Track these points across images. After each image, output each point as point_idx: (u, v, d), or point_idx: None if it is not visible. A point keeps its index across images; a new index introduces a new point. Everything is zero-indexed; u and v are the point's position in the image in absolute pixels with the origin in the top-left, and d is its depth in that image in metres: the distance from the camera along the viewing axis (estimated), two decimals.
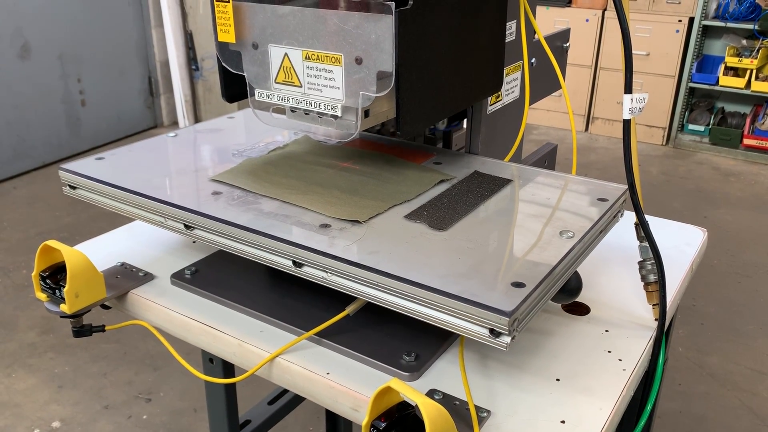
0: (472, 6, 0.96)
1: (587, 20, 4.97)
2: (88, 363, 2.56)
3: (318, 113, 0.95)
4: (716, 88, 4.72)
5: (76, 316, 1.02)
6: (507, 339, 0.70)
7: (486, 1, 0.99)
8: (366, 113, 0.92)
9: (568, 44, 1.40)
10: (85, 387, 2.44)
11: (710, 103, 5.00)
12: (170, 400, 2.38)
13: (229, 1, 0.93)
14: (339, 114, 0.92)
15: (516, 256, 0.82)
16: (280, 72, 0.95)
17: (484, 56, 1.02)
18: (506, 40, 1.10)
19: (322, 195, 0.97)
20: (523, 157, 1.44)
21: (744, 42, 4.69)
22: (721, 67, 4.68)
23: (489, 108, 1.13)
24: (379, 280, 0.77)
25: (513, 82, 1.18)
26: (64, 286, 0.99)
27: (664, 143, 5.01)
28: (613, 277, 1.13)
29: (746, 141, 4.70)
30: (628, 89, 0.91)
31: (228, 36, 0.95)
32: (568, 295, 0.91)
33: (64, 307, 1.00)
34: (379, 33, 0.84)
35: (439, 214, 0.91)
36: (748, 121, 4.73)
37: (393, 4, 0.80)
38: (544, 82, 1.38)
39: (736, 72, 4.67)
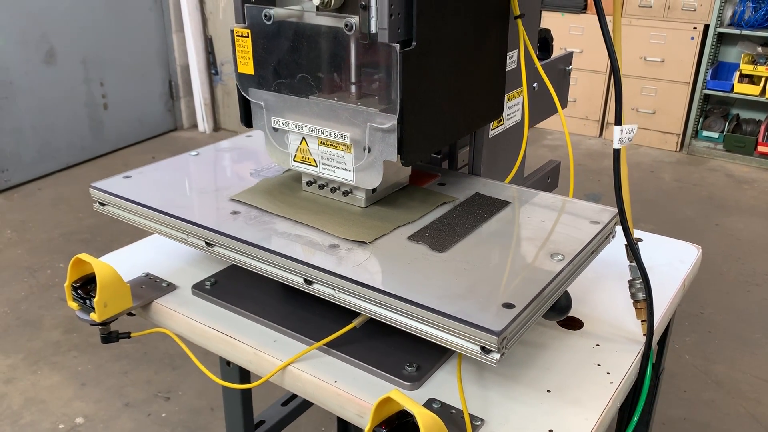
0: (473, 41, 1.03)
1: None
2: (110, 362, 2.66)
3: (331, 189, 1.09)
4: (731, 95, 4.74)
5: (104, 323, 1.11)
6: (496, 356, 0.77)
7: (487, 36, 1.05)
8: (374, 189, 1.07)
9: (570, 67, 1.46)
10: (107, 385, 2.54)
11: (725, 109, 5.01)
12: (188, 398, 2.48)
13: (248, 36, 1.01)
14: (350, 191, 1.07)
15: (508, 277, 0.89)
16: (297, 153, 1.05)
17: (486, 86, 1.09)
18: (508, 69, 1.16)
19: (332, 216, 1.04)
20: (528, 173, 1.50)
21: (759, 49, 4.69)
22: (736, 75, 4.69)
23: (491, 132, 1.20)
24: (382, 299, 0.85)
25: (515, 107, 1.25)
26: (94, 297, 1.07)
27: (678, 150, 5.03)
28: (606, 292, 1.19)
29: (760, 148, 4.71)
30: (618, 121, 0.97)
31: (247, 68, 1.03)
32: (558, 314, 0.98)
33: (93, 316, 1.09)
34: (386, 128, 0.94)
35: (440, 236, 0.98)
36: (762, 128, 4.74)
37: (398, 46, 0.88)
38: (547, 103, 1.44)
39: (752, 79, 4.68)
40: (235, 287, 1.16)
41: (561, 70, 1.45)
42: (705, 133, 4.94)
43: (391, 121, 0.93)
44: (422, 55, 0.91)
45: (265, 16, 0.96)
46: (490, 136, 1.20)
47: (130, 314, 1.19)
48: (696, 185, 4.48)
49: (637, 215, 3.95)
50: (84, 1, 4.43)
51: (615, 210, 1.08)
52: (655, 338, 1.15)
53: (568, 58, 1.46)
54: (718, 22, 4.64)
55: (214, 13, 5.01)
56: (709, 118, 4.96)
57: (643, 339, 1.07)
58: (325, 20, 0.97)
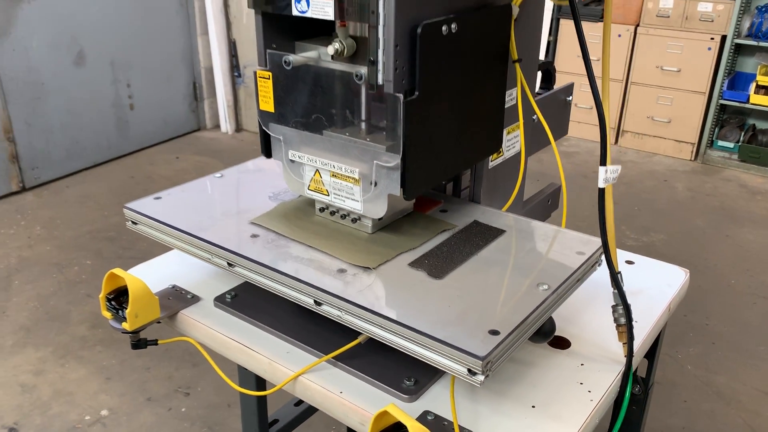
0: (474, 85, 1.12)
1: (619, 35, 5.05)
2: (133, 357, 2.80)
3: (341, 215, 1.20)
4: (747, 105, 4.77)
5: (135, 332, 1.23)
6: (481, 378, 0.87)
7: (486, 79, 1.15)
8: (380, 218, 1.17)
9: (570, 98, 1.55)
10: (131, 379, 2.68)
11: (741, 119, 5.04)
12: (207, 395, 2.60)
13: (269, 78, 1.11)
14: (358, 218, 1.18)
15: (496, 305, 0.98)
16: (311, 183, 1.16)
17: (485, 123, 1.19)
18: (507, 105, 1.26)
19: (341, 241, 1.15)
20: (528, 196, 1.60)
21: None
22: (753, 86, 4.72)
23: (491, 163, 1.30)
24: (382, 322, 0.95)
25: (514, 139, 1.35)
26: (126, 308, 1.19)
27: (692, 159, 5.07)
28: (596, 314, 1.29)
29: None
30: (603, 162, 1.06)
31: (268, 105, 1.14)
32: (543, 337, 1.07)
33: (125, 325, 1.20)
34: (390, 166, 1.05)
35: (438, 263, 1.09)
36: None
37: (402, 96, 0.98)
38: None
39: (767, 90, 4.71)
40: (253, 300, 1.27)
41: (562, 101, 1.54)
42: (720, 142, 4.98)
43: (395, 160, 1.03)
44: (424, 103, 1.01)
45: (285, 62, 1.07)
46: (490, 167, 1.29)
47: (157, 322, 1.31)
48: (709, 195, 4.52)
49: (648, 224, 4.01)
50: (113, 6, 4.58)
51: (599, 243, 1.17)
52: (638, 357, 1.25)
53: (568, 89, 1.55)
54: (736, 33, 4.67)
55: (238, 17, 5.14)
56: (725, 128, 4.99)
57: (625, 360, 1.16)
58: (338, 65, 1.07)
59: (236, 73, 5.34)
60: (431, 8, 0.98)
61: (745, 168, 4.87)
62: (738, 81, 4.94)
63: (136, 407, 2.54)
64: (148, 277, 1.35)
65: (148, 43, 4.89)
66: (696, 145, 5.03)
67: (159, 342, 1.28)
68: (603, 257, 1.18)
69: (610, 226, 1.09)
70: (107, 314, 1.24)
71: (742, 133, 4.93)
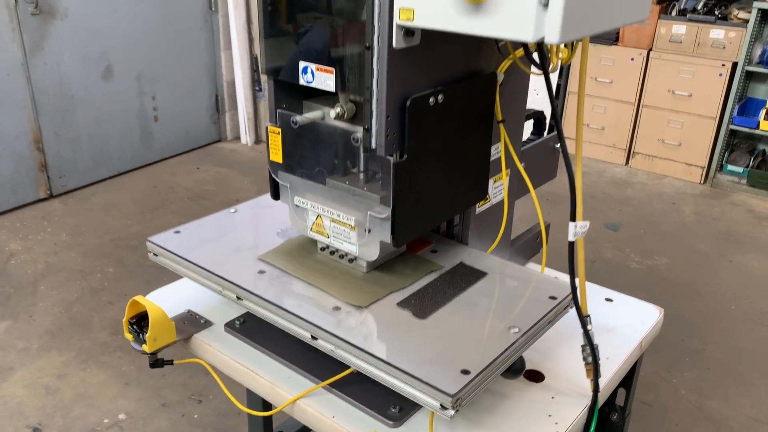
0: (460, 145, 1.25)
1: (632, 59, 5.14)
2: None
3: (340, 255, 1.33)
4: (757, 131, 4.84)
5: (153, 354, 1.37)
6: (451, 412, 1.00)
7: (472, 139, 1.28)
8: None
9: (558, 144, 1.67)
10: (147, 385, 2.83)
11: (752, 144, 5.10)
12: (218, 402, 2.75)
13: (279, 134, 1.25)
14: (354, 258, 1.31)
15: (470, 346, 1.11)
16: (313, 226, 1.29)
17: (471, 176, 1.32)
18: (493, 158, 1.39)
19: (338, 279, 1.28)
20: (516, 235, 1.72)
21: None
22: (763, 112, 4.79)
23: (478, 209, 1.42)
24: (368, 358, 1.08)
25: (500, 186, 1.47)
26: (146, 332, 1.34)
27: (702, 182, 5.14)
28: (570, 349, 1.40)
29: None
30: (573, 218, 1.18)
31: (277, 157, 1.28)
32: (513, 374, 1.20)
33: (145, 347, 1.35)
34: (382, 217, 1.17)
35: (423, 303, 1.22)
36: None
37: (392, 159, 1.11)
38: (537, 176, 1.66)
39: None
40: (260, 327, 1.40)
41: (550, 148, 1.66)
42: (730, 167, 5.04)
43: (386, 212, 1.17)
44: (413, 164, 1.14)
45: (293, 121, 1.21)
46: (477, 213, 1.42)
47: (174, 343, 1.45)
48: (715, 219, 4.59)
49: (653, 247, 4.10)
50: (140, 22, 4.77)
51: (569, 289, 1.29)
52: (608, 390, 1.36)
53: (556, 137, 1.67)
54: (747, 60, 4.74)
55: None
56: (735, 153, 5.06)
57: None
58: (339, 124, 1.21)
59: (257, 87, 5.51)
60: (420, 82, 1.11)
61: (753, 193, 4.94)
62: (749, 107, 5.01)
63: (151, 412, 2.69)
64: (166, 301, 1.50)
65: (174, 58, 5.08)
66: (706, 169, 5.10)
67: (174, 362, 1.42)
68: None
69: (581, 275, 1.21)
70: (129, 336, 1.39)
71: (752, 159, 5.00)
